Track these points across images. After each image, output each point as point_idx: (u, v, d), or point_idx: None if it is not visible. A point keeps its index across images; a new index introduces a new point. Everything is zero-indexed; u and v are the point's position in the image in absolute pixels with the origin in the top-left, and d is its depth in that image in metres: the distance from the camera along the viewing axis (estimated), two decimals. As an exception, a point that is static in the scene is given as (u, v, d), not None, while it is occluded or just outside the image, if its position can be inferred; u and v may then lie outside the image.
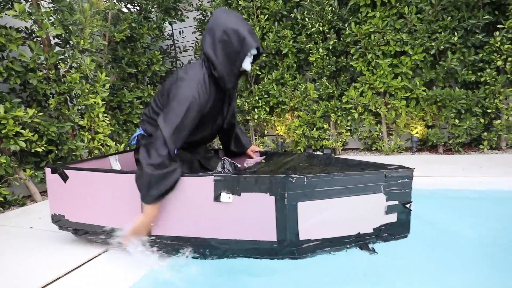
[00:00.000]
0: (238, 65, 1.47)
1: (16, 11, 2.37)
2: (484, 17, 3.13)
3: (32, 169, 2.73)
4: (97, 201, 1.54)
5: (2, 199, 2.50)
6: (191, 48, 4.72)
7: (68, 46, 3.03)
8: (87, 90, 2.93)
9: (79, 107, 3.04)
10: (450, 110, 3.40)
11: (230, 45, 1.42)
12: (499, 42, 3.08)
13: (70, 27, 2.79)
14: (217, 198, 1.35)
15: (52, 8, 2.78)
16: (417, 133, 3.61)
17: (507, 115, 3.26)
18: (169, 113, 1.38)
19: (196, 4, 4.35)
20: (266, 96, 4.07)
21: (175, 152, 1.37)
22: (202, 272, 1.36)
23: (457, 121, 3.41)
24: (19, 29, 2.80)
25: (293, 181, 1.28)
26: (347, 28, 3.60)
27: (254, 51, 1.51)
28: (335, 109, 3.82)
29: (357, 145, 4.10)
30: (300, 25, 3.80)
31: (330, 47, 3.67)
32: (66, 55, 2.89)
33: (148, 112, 1.69)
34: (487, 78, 3.20)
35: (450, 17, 3.24)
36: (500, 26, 3.11)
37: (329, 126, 3.93)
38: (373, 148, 3.83)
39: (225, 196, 1.34)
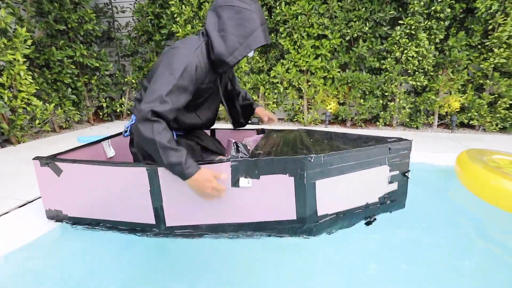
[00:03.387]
0: (239, 55, 1.29)
1: None
2: (390, 12, 3.63)
3: None
4: (98, 194, 1.46)
5: None
6: (128, 9, 4.59)
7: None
8: (3, 45, 2.85)
9: (-2, 64, 2.96)
10: (358, 91, 3.97)
11: (238, 34, 1.25)
12: (399, 36, 3.63)
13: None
14: (235, 183, 1.31)
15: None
16: (330, 108, 4.17)
17: (399, 98, 3.93)
18: (164, 75, 1.22)
19: (133, -39, 4.20)
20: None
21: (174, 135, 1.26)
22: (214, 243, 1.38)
23: (362, 100, 4.02)
24: None
25: (312, 160, 1.27)
26: (278, 7, 3.86)
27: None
28: (264, 82, 4.18)
29: (281, 116, 4.57)
30: (235, -2, 3.95)
31: (262, 24, 3.92)
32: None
33: (139, 96, 1.50)
34: (387, 66, 3.78)
35: (364, 8, 3.67)
36: (401, 22, 3.63)
37: (258, 97, 4.31)
38: (294, 120, 4.34)
39: (244, 181, 1.31)
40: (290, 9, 3.79)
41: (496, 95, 3.76)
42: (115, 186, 1.42)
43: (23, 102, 3.20)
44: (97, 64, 4.19)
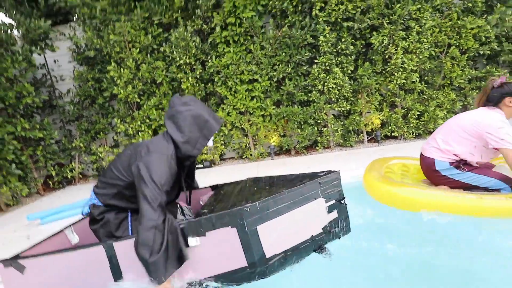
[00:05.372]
0: (201, 146, 1.56)
1: None
2: (306, 54, 4.23)
3: None
4: (58, 283, 1.49)
5: None
6: (68, 77, 4.75)
7: None
8: None
9: None
10: (293, 123, 4.45)
11: (194, 129, 1.53)
12: (317, 72, 4.22)
13: None
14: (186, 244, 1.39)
15: None
16: (273, 141, 4.58)
17: (330, 123, 4.47)
18: (150, 188, 1.39)
19: (69, 33, 4.44)
20: (148, 120, 4.49)
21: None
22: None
23: (299, 130, 4.49)
24: None
25: (248, 210, 1.36)
26: (210, 60, 4.30)
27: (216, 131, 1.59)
28: (210, 127, 4.49)
29: (231, 155, 4.89)
30: (170, 57, 4.34)
31: (198, 76, 4.32)
32: None
33: (103, 178, 1.65)
34: (314, 98, 4.33)
35: (284, 53, 4.25)
36: (316, 61, 4.24)
37: (207, 142, 4.60)
38: (244, 157, 4.67)
39: (192, 240, 1.39)
40: (221, 61, 4.24)
41: (405, 109, 4.46)
42: (79, 270, 1.47)
43: (-38, 188, 3.15)
44: (41, 135, 4.22)
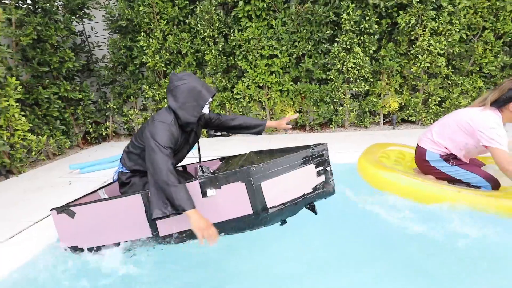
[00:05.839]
0: (197, 114, 1.84)
1: None
2: (327, 32, 4.20)
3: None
4: (103, 225, 1.86)
5: None
6: (103, 44, 5.14)
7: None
8: (-1, 96, 3.42)
9: (-6, 111, 3.52)
10: (310, 100, 4.56)
11: (190, 100, 1.81)
12: (337, 51, 4.21)
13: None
14: (204, 194, 1.73)
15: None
16: (289, 117, 4.75)
17: (346, 103, 4.52)
18: (152, 147, 1.70)
19: (103, 3, 4.74)
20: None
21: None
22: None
23: (314, 107, 4.60)
24: None
25: (254, 169, 1.71)
26: (232, 34, 4.43)
27: (210, 99, 1.87)
28: (229, 98, 4.75)
29: (249, 126, 5.16)
30: (195, 29, 4.52)
31: (220, 49, 4.49)
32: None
33: (127, 148, 2.04)
34: (332, 77, 4.36)
35: (305, 30, 4.25)
36: (337, 39, 4.21)
37: (226, 111, 4.89)
38: (259, 129, 4.92)
39: (210, 192, 1.73)
40: (243, 35, 4.35)
41: (427, 94, 4.36)
42: (119, 214, 1.84)
43: (19, 139, 3.76)
44: (80, 96, 4.75)
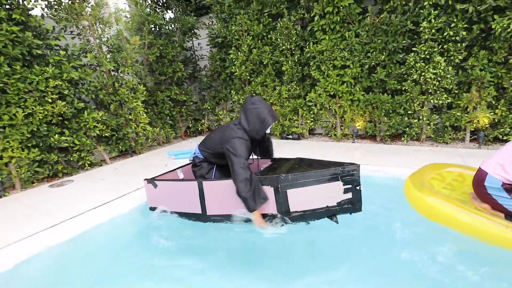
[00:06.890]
0: (261, 133, 2.31)
1: (87, 57, 4.28)
2: (403, 42, 4.07)
3: (104, 145, 4.80)
4: (171, 197, 2.53)
5: (89, 162, 4.62)
6: (205, 57, 6.30)
7: (118, 71, 4.91)
8: (131, 98, 4.81)
9: (128, 108, 4.96)
10: (381, 110, 4.48)
11: (256, 123, 2.28)
12: (413, 61, 4.02)
13: (118, 61, 4.63)
14: None
15: (107, 52, 4.63)
16: (358, 126, 4.78)
17: (422, 116, 4.25)
18: (238, 158, 2.14)
19: (207, 23, 5.85)
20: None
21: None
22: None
23: (385, 118, 4.50)
24: (90, 65, 4.73)
25: (283, 178, 1.98)
26: (307, 46, 4.78)
27: (272, 123, 2.31)
28: (302, 105, 5.13)
29: (320, 131, 5.40)
30: (275, 43, 5.07)
31: (296, 60, 4.92)
32: (118, 77, 4.77)
33: (203, 144, 2.61)
34: (407, 87, 4.19)
35: (379, 40, 4.22)
36: (414, 48, 4.02)
37: (298, 117, 5.29)
38: (329, 135, 5.12)
39: None
40: (317, 47, 4.65)
41: (530, 110, 3.68)
42: (183, 193, 2.47)
43: (142, 129, 5.16)
44: (185, 98, 6.01)
